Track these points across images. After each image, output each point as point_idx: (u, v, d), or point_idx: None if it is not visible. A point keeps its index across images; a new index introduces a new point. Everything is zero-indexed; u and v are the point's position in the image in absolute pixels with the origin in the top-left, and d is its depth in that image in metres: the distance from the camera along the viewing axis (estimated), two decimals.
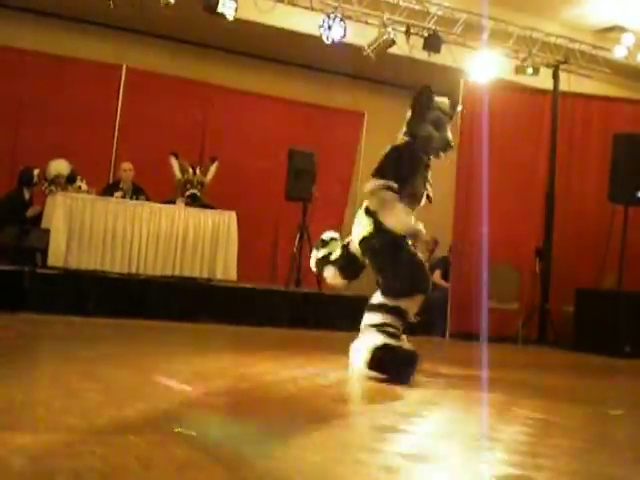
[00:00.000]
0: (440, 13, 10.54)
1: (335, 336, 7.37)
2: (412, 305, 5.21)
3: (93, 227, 8.64)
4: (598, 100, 10.65)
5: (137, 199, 9.34)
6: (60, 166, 9.21)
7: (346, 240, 5.79)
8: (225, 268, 9.24)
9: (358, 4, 10.29)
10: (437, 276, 10.64)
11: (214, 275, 9.23)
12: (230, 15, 9.47)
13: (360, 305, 5.46)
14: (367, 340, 5.07)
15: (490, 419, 3.95)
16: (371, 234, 5.34)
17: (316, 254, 5.99)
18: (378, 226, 5.30)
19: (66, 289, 8.16)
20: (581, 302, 9.35)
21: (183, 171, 9.65)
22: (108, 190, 9.52)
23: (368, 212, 5.40)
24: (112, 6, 9.32)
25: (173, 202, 9.48)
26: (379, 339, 5.02)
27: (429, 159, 5.61)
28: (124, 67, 11.53)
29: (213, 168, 9.90)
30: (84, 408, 3.27)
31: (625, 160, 9.17)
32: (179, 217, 9.15)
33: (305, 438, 3.02)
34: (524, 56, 10.97)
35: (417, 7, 10.44)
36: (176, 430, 2.86)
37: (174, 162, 9.65)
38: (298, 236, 10.18)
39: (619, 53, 11.04)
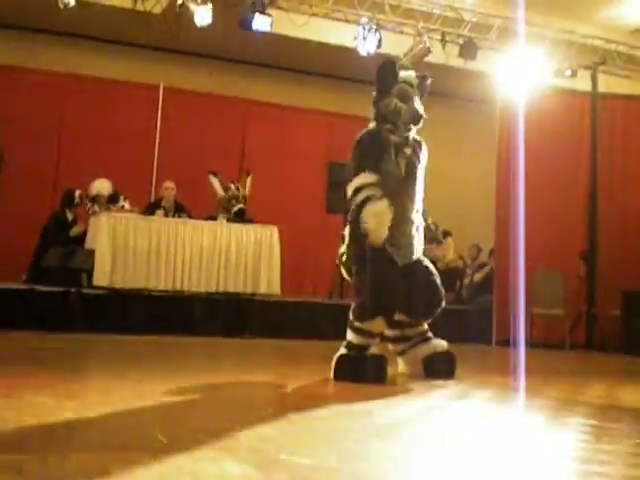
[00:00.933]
0: (475, 19, 10.52)
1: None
2: (375, 326, 5.18)
3: (137, 246, 8.72)
4: (638, 100, 10.54)
5: (179, 217, 9.42)
6: (102, 186, 9.35)
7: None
8: (269, 282, 9.27)
9: (392, 14, 10.32)
10: (477, 278, 10.73)
11: (258, 290, 9.26)
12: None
13: None
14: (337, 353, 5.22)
15: (541, 426, 3.92)
16: (347, 245, 5.45)
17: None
18: (352, 237, 5.38)
19: (112, 308, 8.27)
20: (628, 305, 9.26)
21: (225, 189, 9.71)
22: (150, 209, 9.60)
23: (349, 220, 5.41)
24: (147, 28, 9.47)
25: (214, 218, 9.55)
26: (341, 351, 5.18)
27: (404, 135, 5.35)
28: (161, 86, 11.67)
29: (248, 181, 9.98)
30: (137, 426, 3.30)
31: None
32: (221, 233, 9.21)
33: (361, 452, 3.01)
34: (561, 59, 10.89)
35: (451, 14, 10.44)
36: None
37: (214, 181, 9.72)
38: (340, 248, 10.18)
39: None
